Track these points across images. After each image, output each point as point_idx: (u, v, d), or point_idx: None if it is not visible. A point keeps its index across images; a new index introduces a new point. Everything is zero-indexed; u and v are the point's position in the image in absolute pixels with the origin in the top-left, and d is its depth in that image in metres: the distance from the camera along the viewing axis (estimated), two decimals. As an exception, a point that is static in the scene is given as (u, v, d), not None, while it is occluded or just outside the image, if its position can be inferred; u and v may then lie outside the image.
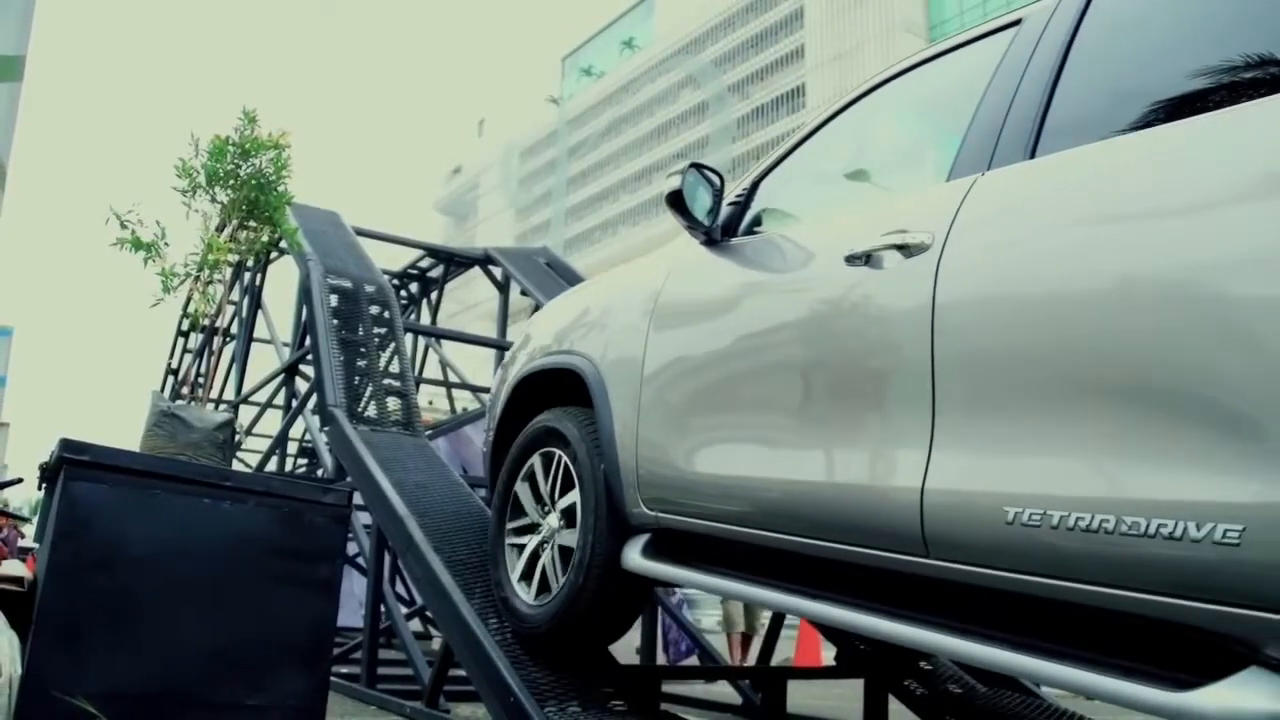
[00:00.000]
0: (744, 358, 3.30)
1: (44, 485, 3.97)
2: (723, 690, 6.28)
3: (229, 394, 10.32)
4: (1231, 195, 2.05)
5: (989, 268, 2.52)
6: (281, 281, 9.47)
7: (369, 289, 7.93)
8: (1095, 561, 2.09)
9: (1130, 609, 2.06)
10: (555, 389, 4.23)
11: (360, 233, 9.30)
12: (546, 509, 4.06)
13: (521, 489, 4.21)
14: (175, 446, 4.24)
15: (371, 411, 6.81)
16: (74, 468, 3.52)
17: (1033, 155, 2.63)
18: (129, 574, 3.54)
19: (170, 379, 13.97)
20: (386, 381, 7.06)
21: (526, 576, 4.05)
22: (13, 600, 3.45)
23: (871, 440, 2.72)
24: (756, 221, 3.56)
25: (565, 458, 3.98)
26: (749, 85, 68.72)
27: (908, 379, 2.60)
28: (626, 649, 6.56)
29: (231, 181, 5.07)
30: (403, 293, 12.07)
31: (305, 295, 7.58)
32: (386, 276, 9.33)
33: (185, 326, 13.33)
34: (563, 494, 3.98)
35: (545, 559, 3.97)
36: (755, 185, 3.64)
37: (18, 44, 7.47)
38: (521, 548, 4.13)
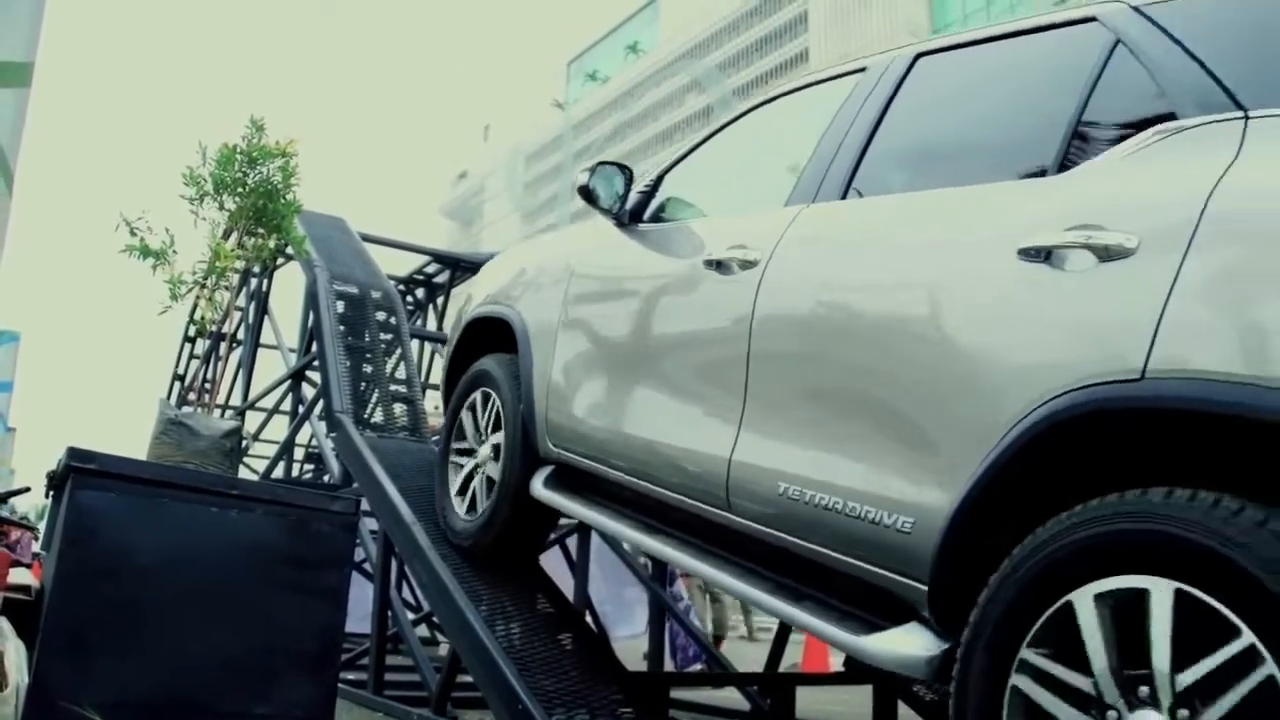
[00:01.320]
0: (622, 330, 4.04)
1: (51, 493, 3.96)
2: (731, 696, 6.26)
3: (235, 400, 10.32)
4: (961, 262, 2.69)
5: (788, 289, 3.19)
6: (287, 287, 9.47)
7: (375, 295, 7.93)
8: (831, 532, 2.84)
9: (851, 571, 2.81)
10: (495, 333, 4.84)
11: (366, 238, 9.30)
12: (482, 439, 4.73)
13: (465, 416, 4.90)
14: (182, 454, 4.24)
15: (378, 417, 6.82)
16: (81, 476, 3.52)
17: (843, 196, 3.26)
18: (136, 582, 3.54)
19: (177, 385, 13.97)
20: (393, 387, 7.06)
21: (462, 493, 4.78)
22: (20, 609, 3.44)
23: (703, 414, 3.45)
24: (663, 208, 4.18)
25: (496, 400, 4.64)
26: (754, 89, 68.65)
27: (731, 369, 3.29)
28: (634, 655, 6.55)
29: (239, 189, 5.08)
30: (409, 298, 12.05)
31: (311, 301, 7.59)
32: (392, 282, 9.33)
33: (192, 333, 13.35)
34: (493, 432, 4.64)
35: (476, 482, 4.71)
36: (660, 179, 4.26)
37: (26, 50, 7.47)
38: (461, 466, 4.85)
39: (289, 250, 6.07)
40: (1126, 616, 1.98)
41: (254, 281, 9.64)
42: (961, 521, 2.43)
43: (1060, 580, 2.13)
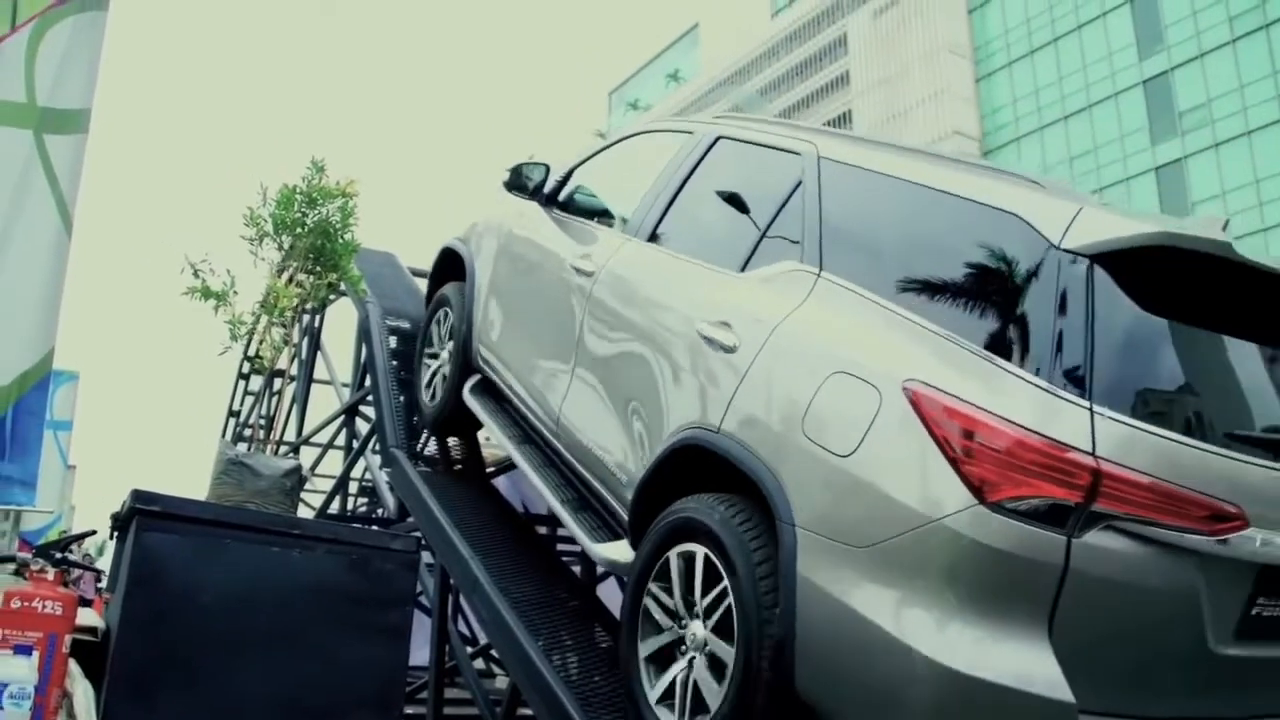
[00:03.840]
0: (521, 285, 5.41)
1: (115, 534, 4.00)
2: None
3: (289, 435, 10.40)
4: (672, 321, 3.96)
5: (602, 301, 4.46)
6: (339, 322, 9.54)
7: (426, 329, 7.95)
8: (597, 470, 4.27)
9: (604, 499, 4.24)
10: (456, 265, 6.13)
11: (417, 273, 9.34)
12: (443, 346, 6.10)
13: (433, 328, 6.29)
14: (243, 494, 4.27)
15: (432, 450, 6.82)
16: (146, 518, 3.56)
17: (650, 239, 4.47)
18: (201, 623, 3.56)
19: (232, 421, 14.10)
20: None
21: (429, 386, 6.22)
22: (87, 650, 3.47)
23: (552, 368, 4.78)
24: (573, 194, 5.42)
25: (452, 317, 5.98)
26: (795, 113, 68.57)
27: (570, 342, 4.59)
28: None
29: (298, 229, 5.13)
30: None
31: (364, 337, 7.63)
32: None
33: (246, 370, 13.48)
34: (449, 341, 5.99)
35: (436, 379, 6.11)
36: (570, 173, 5.50)
37: (83, 98, 7.61)
38: (429, 366, 6.25)
39: (342, 287, 6.12)
40: (689, 566, 3.34)
41: (306, 318, 9.73)
42: (639, 491, 3.79)
43: (664, 543, 3.49)
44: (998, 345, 2.89)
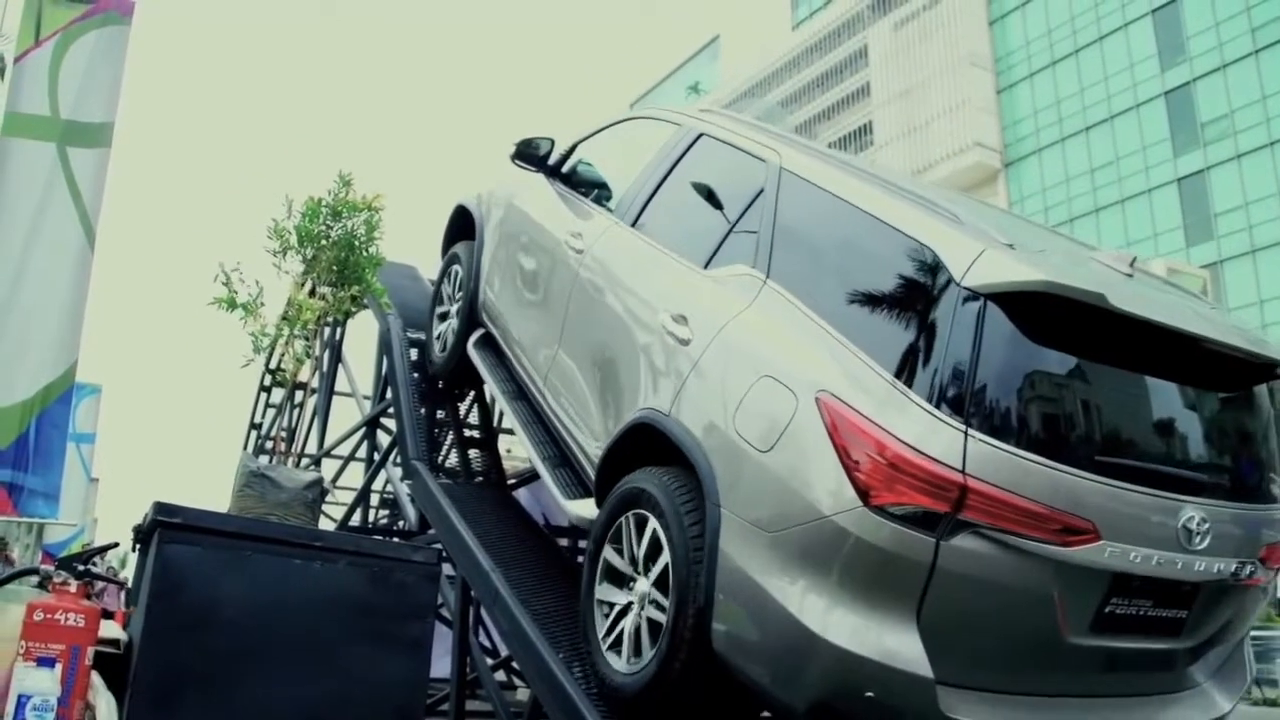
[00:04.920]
0: (521, 249, 5.81)
1: (138, 547, 4.01)
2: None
3: (310, 448, 10.41)
4: (641, 307, 4.39)
5: (588, 277, 4.88)
6: (360, 334, 9.56)
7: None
8: (575, 431, 4.77)
9: (579, 460, 4.73)
10: (469, 223, 6.63)
11: (437, 285, 9.36)
12: (454, 301, 6.61)
13: (444, 285, 6.89)
14: (265, 506, 4.27)
15: (453, 462, 6.82)
16: (168, 530, 3.55)
17: (633, 224, 4.85)
18: (222, 635, 3.55)
19: (253, 434, 14.16)
20: (468, 433, 7.06)
21: (440, 339, 6.78)
22: (110, 662, 3.47)
23: (543, 333, 5.24)
24: (576, 167, 5.82)
25: (461, 274, 6.52)
26: (816, 125, 68.59)
27: (561, 311, 5.04)
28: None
29: (322, 242, 5.14)
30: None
31: (385, 349, 7.64)
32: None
33: (267, 382, 13.54)
34: (457, 297, 6.54)
35: (447, 331, 6.65)
36: (573, 147, 5.91)
37: (106, 111, 7.66)
38: (441, 321, 6.82)
39: (364, 299, 6.14)
40: (639, 530, 3.80)
41: (327, 330, 9.75)
42: (603, 458, 4.25)
43: (618, 510, 3.96)
44: (899, 366, 3.22)
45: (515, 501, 6.66)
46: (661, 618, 3.60)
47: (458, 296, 6.51)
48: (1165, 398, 3.50)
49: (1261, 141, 43.52)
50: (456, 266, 6.64)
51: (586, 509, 4.44)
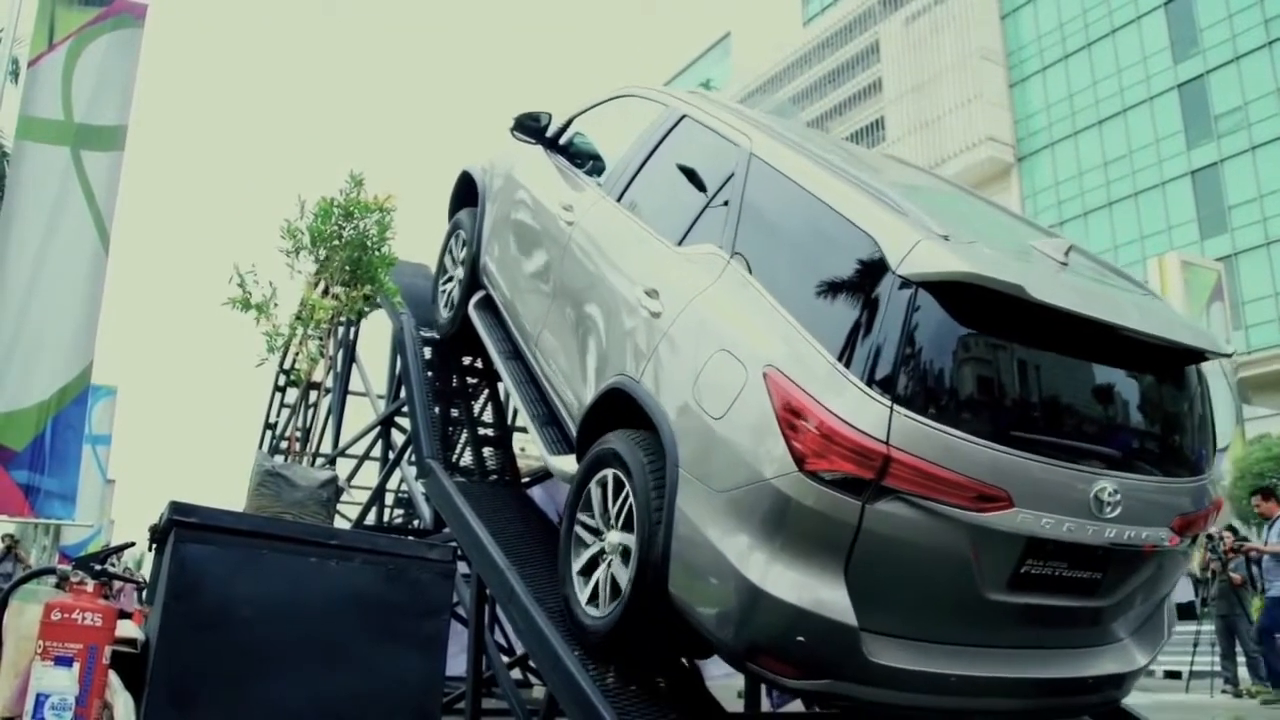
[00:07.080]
0: (519, 217, 6.20)
1: (154, 546, 4.02)
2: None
3: (325, 447, 10.43)
4: (623, 280, 4.72)
5: (577, 246, 5.24)
6: (373, 333, 9.58)
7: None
8: (561, 391, 5.15)
9: (564, 417, 5.16)
10: (474, 190, 7.01)
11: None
12: (457, 266, 7.07)
13: (448, 254, 7.34)
14: (280, 505, 4.28)
15: (467, 460, 6.83)
16: (183, 529, 3.56)
17: (619, 199, 5.22)
18: (239, 634, 3.55)
19: (268, 433, 14.19)
20: (482, 431, 7.07)
21: (444, 297, 7.26)
22: (127, 661, 3.48)
23: (535, 299, 5.64)
24: (573, 139, 6.21)
25: (464, 236, 6.98)
26: (828, 120, 68.46)
27: (551, 279, 5.44)
28: (729, 694, 6.45)
29: (335, 242, 5.14)
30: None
31: (399, 348, 7.65)
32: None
33: (282, 382, 13.57)
34: (460, 260, 7.03)
35: (451, 292, 7.12)
36: (570, 121, 6.28)
37: (119, 114, 7.68)
38: (447, 285, 7.25)
39: (378, 299, 6.14)
40: (613, 485, 4.17)
41: (341, 329, 9.75)
42: (583, 419, 4.64)
43: (590, 472, 4.36)
44: (840, 346, 3.52)
45: (530, 499, 6.66)
46: (624, 576, 4.01)
47: (461, 259, 6.99)
48: (1084, 379, 3.80)
49: (1276, 133, 43.26)
50: (460, 232, 7.12)
51: (569, 464, 4.83)
